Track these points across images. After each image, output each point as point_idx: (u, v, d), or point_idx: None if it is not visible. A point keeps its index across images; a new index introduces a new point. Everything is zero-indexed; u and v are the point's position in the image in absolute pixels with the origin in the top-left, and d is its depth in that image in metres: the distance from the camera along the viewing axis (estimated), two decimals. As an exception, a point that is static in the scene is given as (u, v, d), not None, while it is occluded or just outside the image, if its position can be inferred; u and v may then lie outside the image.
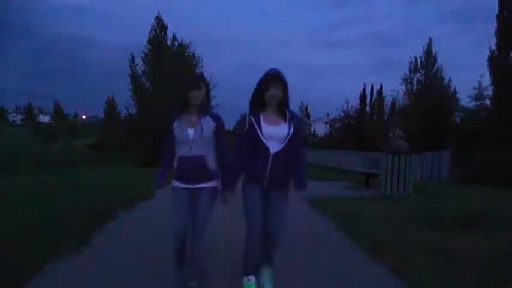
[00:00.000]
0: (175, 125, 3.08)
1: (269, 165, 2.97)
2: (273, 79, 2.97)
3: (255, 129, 2.97)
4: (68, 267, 3.78)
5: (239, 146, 3.05)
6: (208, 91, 3.13)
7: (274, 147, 2.97)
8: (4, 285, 3.24)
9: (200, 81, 3.08)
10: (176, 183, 3.12)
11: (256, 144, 2.98)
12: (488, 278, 3.60)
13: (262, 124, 2.99)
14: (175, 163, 3.10)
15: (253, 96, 3.07)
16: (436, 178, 17.74)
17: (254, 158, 3.00)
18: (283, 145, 2.98)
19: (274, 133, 2.98)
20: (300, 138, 3.13)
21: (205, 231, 3.09)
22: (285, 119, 3.04)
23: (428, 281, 3.57)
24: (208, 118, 3.09)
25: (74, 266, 3.83)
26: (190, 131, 3.02)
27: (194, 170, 3.03)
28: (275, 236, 3.16)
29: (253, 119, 3.00)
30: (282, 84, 2.99)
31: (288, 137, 3.00)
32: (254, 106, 3.06)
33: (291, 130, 3.02)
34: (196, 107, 3.05)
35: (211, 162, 3.09)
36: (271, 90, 2.97)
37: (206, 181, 3.08)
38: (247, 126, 3.00)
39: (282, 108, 3.05)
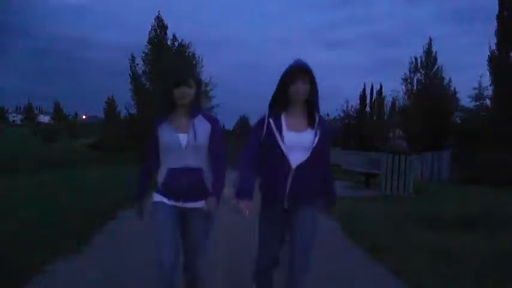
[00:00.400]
0: (162, 129, 2.52)
1: (289, 181, 2.39)
2: (299, 71, 2.41)
3: (274, 136, 2.41)
4: (68, 267, 3.78)
5: (249, 151, 2.49)
6: (199, 90, 2.59)
7: (296, 159, 2.40)
8: (4, 285, 3.25)
9: (189, 76, 2.55)
10: (160, 198, 2.53)
11: (274, 154, 2.41)
12: (488, 278, 3.60)
13: (284, 129, 2.43)
14: (164, 176, 2.51)
15: (275, 94, 2.51)
16: (436, 178, 17.75)
17: (271, 171, 2.44)
18: (307, 156, 2.41)
19: (297, 141, 2.42)
20: (328, 147, 2.59)
21: (201, 257, 2.61)
22: (312, 124, 2.48)
23: (428, 281, 3.57)
24: (201, 118, 2.54)
25: (74, 266, 3.83)
26: (182, 137, 2.47)
27: (188, 185, 2.47)
28: (298, 270, 2.48)
29: (272, 122, 2.44)
30: (310, 77, 2.43)
31: (314, 146, 2.43)
32: (275, 106, 2.50)
33: (317, 137, 2.45)
34: (185, 107, 2.52)
35: (207, 177, 2.53)
36: (297, 84, 2.40)
37: (201, 199, 2.50)
38: (264, 131, 2.46)
39: (310, 109, 2.50)
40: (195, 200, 2.49)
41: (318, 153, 2.44)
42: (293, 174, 2.39)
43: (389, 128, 30.76)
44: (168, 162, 2.49)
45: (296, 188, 2.41)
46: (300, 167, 2.40)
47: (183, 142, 2.45)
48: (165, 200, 2.51)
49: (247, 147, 2.51)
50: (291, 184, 2.40)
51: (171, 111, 2.54)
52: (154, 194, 2.55)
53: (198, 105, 2.59)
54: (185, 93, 2.47)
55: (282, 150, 2.39)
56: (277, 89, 2.50)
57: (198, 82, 2.59)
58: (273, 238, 2.54)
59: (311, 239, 2.53)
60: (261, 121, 2.51)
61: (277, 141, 2.40)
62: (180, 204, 2.50)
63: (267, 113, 2.50)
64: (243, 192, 2.39)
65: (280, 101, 2.48)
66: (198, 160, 2.48)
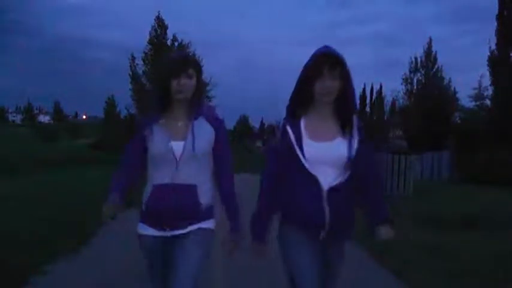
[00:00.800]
0: (151, 132, 1.96)
1: (326, 206, 1.81)
2: (327, 62, 1.80)
3: (292, 147, 1.84)
4: (68, 267, 3.78)
5: (269, 170, 1.95)
6: (200, 81, 2.03)
7: (327, 178, 1.82)
8: (4, 285, 3.24)
9: (189, 64, 1.96)
10: (145, 230, 2.01)
11: (298, 172, 1.84)
12: (488, 278, 3.61)
13: (304, 139, 1.85)
14: (147, 195, 1.98)
15: (294, 92, 1.92)
16: (436, 178, 17.75)
17: (299, 193, 1.85)
18: (344, 176, 1.83)
19: (323, 155, 1.82)
20: (371, 158, 2.03)
21: None
22: (345, 130, 1.88)
23: (428, 281, 3.57)
24: (203, 121, 2.00)
25: (74, 266, 3.83)
26: (177, 145, 1.93)
27: (176, 208, 1.92)
28: None
29: (289, 129, 1.87)
30: (342, 70, 1.82)
31: (351, 161, 1.84)
32: (295, 107, 1.91)
33: (355, 148, 1.85)
34: (183, 104, 1.98)
35: (205, 195, 1.99)
36: (323, 79, 1.80)
37: (194, 223, 1.97)
38: (279, 140, 1.90)
39: (342, 111, 1.89)
40: (185, 226, 1.96)
41: (359, 169, 1.86)
42: (327, 197, 1.81)
43: (389, 128, 30.77)
44: (155, 177, 1.97)
45: (335, 216, 1.83)
46: (336, 189, 1.82)
47: (177, 152, 1.92)
48: (150, 231, 2.00)
49: (266, 174, 1.96)
50: (329, 210, 1.81)
51: (164, 110, 1.99)
52: (139, 225, 2.05)
53: (199, 102, 2.04)
54: (185, 85, 1.92)
55: (305, 167, 1.82)
56: (297, 86, 1.91)
57: (199, 71, 2.02)
58: (311, 271, 1.89)
59: (338, 274, 2.14)
60: (280, 129, 1.93)
61: (297, 156, 1.83)
62: (166, 233, 1.98)
63: (284, 119, 1.93)
64: (259, 238, 1.97)
65: (301, 102, 1.90)
66: (193, 174, 1.95)
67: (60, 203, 6.83)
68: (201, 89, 2.05)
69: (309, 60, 1.86)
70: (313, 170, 1.81)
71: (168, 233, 1.97)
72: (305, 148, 1.83)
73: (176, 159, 1.93)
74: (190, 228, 1.96)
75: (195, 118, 1.99)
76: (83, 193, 8.24)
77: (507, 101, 16.79)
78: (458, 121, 22.64)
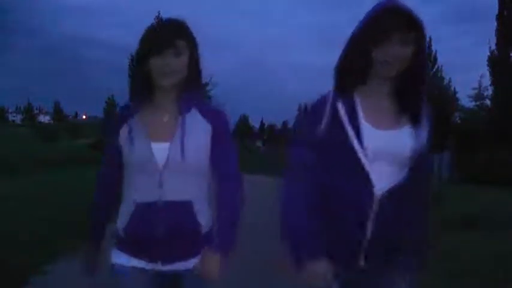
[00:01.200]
0: (125, 133, 1.44)
1: (372, 218, 1.32)
2: (397, 21, 1.27)
3: (345, 133, 1.32)
4: (68, 267, 3.78)
5: (301, 166, 1.39)
6: (195, 59, 1.45)
7: (383, 177, 1.33)
8: (4, 285, 3.25)
9: (178, 34, 1.40)
10: (122, 259, 1.50)
11: (341, 166, 1.35)
12: (488, 278, 3.60)
13: (362, 122, 1.33)
14: (126, 217, 1.49)
15: (346, 58, 1.38)
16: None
17: (336, 199, 1.36)
18: (403, 174, 1.36)
19: (386, 147, 1.33)
20: (430, 159, 1.52)
21: None
22: (414, 117, 1.37)
23: (428, 281, 3.56)
24: (196, 115, 1.45)
25: (74, 266, 3.82)
26: (160, 148, 1.40)
27: (168, 233, 1.42)
28: None
29: (340, 106, 1.34)
30: (417, 34, 1.30)
31: (415, 155, 1.36)
32: (346, 78, 1.37)
33: (422, 139, 1.38)
34: (170, 92, 1.44)
35: (203, 216, 1.47)
36: (392, 43, 1.28)
37: (193, 255, 1.47)
38: (325, 122, 1.35)
39: (407, 90, 1.37)
40: (182, 258, 1.46)
41: (420, 170, 1.39)
42: (378, 205, 1.31)
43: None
44: (134, 193, 1.45)
45: (382, 231, 1.33)
46: (390, 193, 1.33)
47: (160, 158, 1.40)
48: (131, 261, 1.48)
49: (297, 151, 1.41)
50: (375, 225, 1.32)
51: (144, 99, 1.45)
52: (114, 252, 1.54)
53: (194, 88, 1.47)
54: (170, 65, 1.37)
55: (359, 162, 1.31)
56: (349, 49, 1.36)
57: (193, 44, 1.44)
58: None
59: None
60: (319, 104, 1.38)
61: (350, 144, 1.31)
62: (158, 267, 1.46)
63: (331, 91, 1.38)
64: (310, 252, 1.36)
65: (354, 71, 1.35)
66: (184, 188, 1.43)
67: (60, 203, 6.82)
68: (196, 69, 1.46)
69: (369, 16, 1.31)
70: (369, 168, 1.31)
71: (161, 267, 1.46)
72: (364, 134, 1.31)
73: (158, 167, 1.40)
74: (188, 264, 1.46)
75: (188, 110, 1.44)
76: (83, 193, 8.22)
77: (507, 101, 16.81)
78: (458, 121, 22.67)
